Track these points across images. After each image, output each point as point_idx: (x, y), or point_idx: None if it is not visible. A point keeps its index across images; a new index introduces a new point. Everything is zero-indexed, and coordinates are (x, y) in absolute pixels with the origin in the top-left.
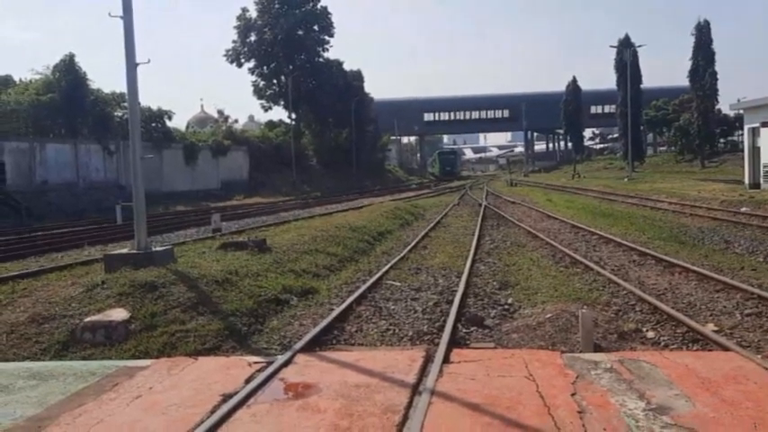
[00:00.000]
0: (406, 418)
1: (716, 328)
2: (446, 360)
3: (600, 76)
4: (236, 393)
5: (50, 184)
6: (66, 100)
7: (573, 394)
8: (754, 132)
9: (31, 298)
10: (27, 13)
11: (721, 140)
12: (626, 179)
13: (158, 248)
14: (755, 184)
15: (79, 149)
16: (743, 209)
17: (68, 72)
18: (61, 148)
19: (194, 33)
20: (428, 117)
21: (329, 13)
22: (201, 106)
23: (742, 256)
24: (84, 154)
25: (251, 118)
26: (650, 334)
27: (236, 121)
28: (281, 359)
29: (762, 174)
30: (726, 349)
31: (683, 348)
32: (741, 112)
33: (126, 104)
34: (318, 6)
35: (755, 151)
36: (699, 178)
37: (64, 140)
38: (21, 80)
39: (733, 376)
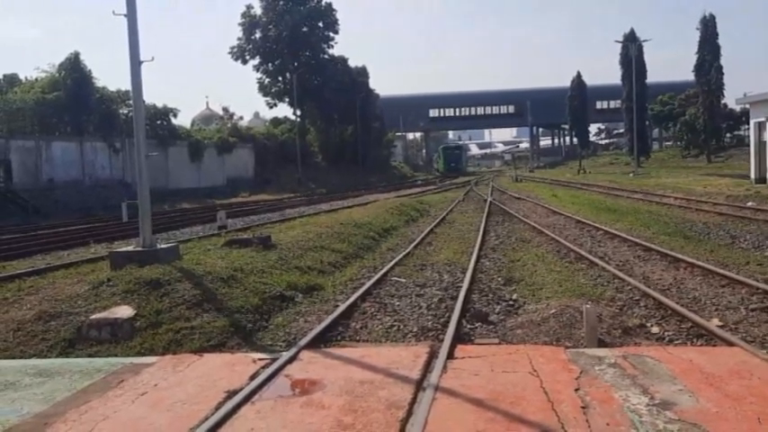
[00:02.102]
0: (410, 413)
1: (721, 324)
2: (450, 356)
3: (605, 72)
4: (240, 390)
5: (56, 182)
6: (72, 98)
7: (577, 389)
8: (761, 127)
9: (37, 295)
10: (29, 11)
11: (727, 135)
12: (631, 174)
13: (163, 246)
14: (762, 179)
15: (85, 147)
16: (749, 204)
17: (74, 70)
18: (67, 146)
19: (199, 31)
20: (433, 113)
21: (334, 10)
22: (207, 104)
23: (748, 251)
24: (89, 152)
25: (256, 115)
26: (655, 329)
27: (242, 118)
28: (285, 356)
29: None
30: (730, 344)
31: (687, 343)
32: (747, 106)
33: (131, 102)
34: (323, 3)
35: (762, 146)
36: (705, 173)
37: (70, 138)
38: (26, 78)
39: (737, 371)
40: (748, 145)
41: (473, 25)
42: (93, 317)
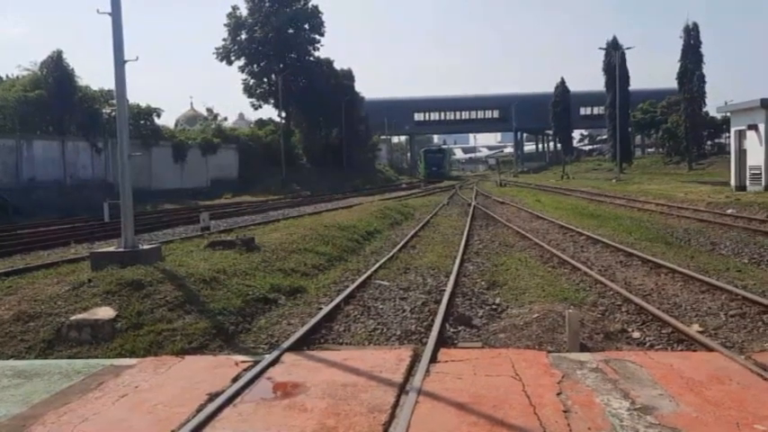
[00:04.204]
0: (392, 417)
1: (701, 329)
2: (433, 359)
3: (589, 78)
4: (222, 392)
5: (37, 181)
6: (54, 97)
7: (559, 393)
8: (741, 135)
9: (16, 296)
10: (19, 8)
11: (708, 143)
12: (614, 180)
13: (146, 247)
14: (742, 186)
15: (67, 147)
16: (729, 210)
17: (56, 69)
18: (48, 145)
19: (185, 31)
20: (418, 117)
21: (320, 12)
22: (191, 104)
23: (727, 257)
24: (71, 151)
25: (241, 116)
26: (636, 334)
27: (226, 119)
28: (268, 358)
29: (748, 176)
30: (710, 350)
31: (667, 349)
32: (728, 114)
33: (114, 101)
34: (309, 5)
35: (742, 154)
36: (686, 180)
37: (51, 137)
38: (7, 76)
39: (717, 376)
40: (729, 153)
41: (460, 29)
42: (74, 318)
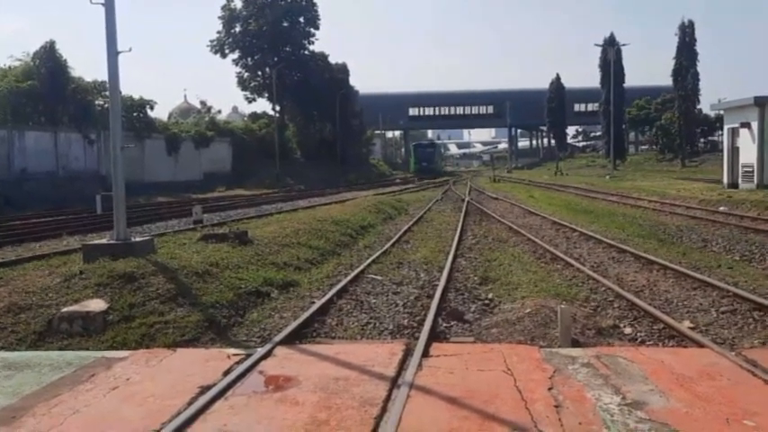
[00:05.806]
0: (384, 410)
1: (692, 325)
2: (426, 354)
3: (588, 78)
4: (214, 385)
5: (29, 172)
6: (47, 87)
7: (550, 388)
8: (734, 133)
9: (7, 287)
10: (17, 5)
11: (701, 140)
12: (608, 177)
13: (138, 239)
14: (734, 184)
15: (59, 138)
16: (721, 208)
17: (49, 59)
18: (41, 137)
19: (179, 23)
20: (413, 112)
21: (315, 5)
22: (185, 97)
23: (719, 254)
24: (64, 143)
25: (234, 109)
26: (627, 330)
27: (220, 111)
28: (260, 351)
29: (740, 174)
30: (701, 346)
31: (659, 344)
32: (721, 112)
33: (107, 93)
34: None
35: (734, 151)
36: (679, 177)
37: (44, 128)
38: None
39: (707, 372)
40: (721, 150)
41: (456, 27)
42: (65, 310)
